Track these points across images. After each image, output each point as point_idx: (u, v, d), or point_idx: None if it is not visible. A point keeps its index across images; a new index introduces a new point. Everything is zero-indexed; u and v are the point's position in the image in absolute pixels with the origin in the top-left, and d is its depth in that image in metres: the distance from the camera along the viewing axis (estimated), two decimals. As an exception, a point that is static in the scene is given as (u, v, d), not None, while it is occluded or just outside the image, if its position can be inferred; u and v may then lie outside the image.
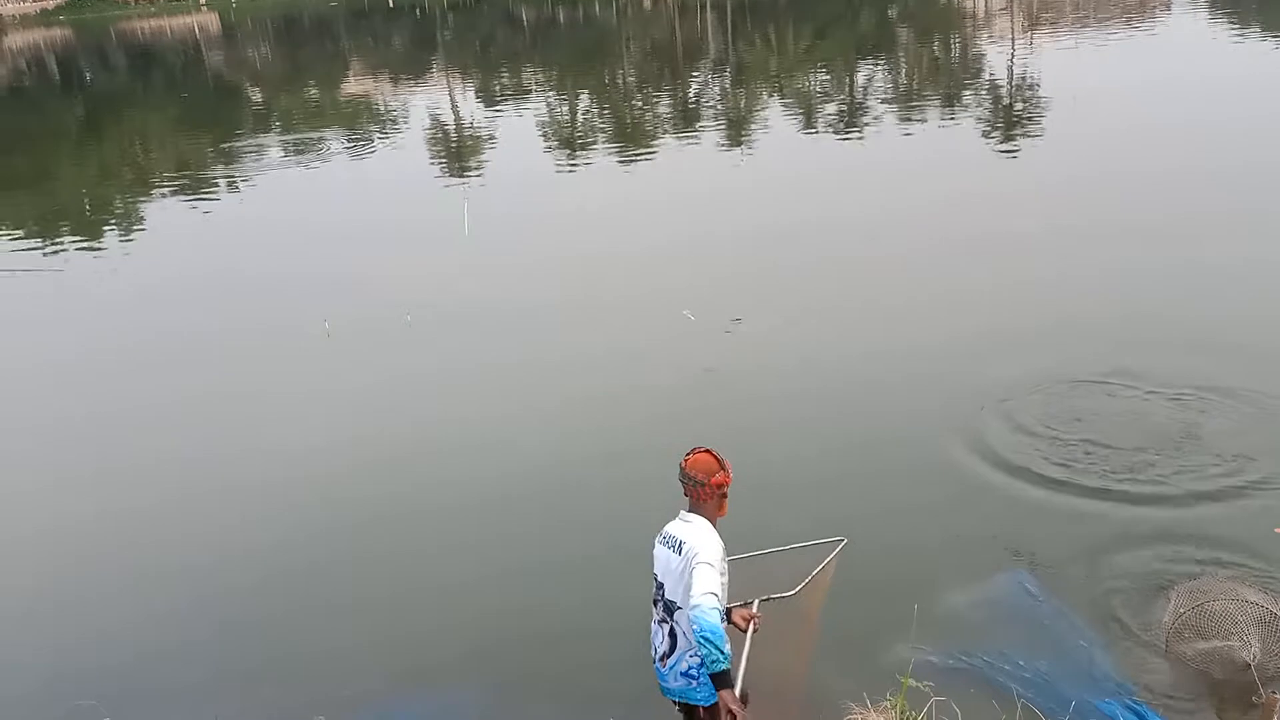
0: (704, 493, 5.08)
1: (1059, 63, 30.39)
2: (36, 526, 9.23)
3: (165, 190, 23.87)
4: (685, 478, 5.12)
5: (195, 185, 23.94)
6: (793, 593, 5.54)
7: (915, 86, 30.83)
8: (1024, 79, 28.74)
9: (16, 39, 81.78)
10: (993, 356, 10.87)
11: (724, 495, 5.12)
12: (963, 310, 12.35)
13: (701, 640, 4.71)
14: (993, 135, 22.20)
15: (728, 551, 5.16)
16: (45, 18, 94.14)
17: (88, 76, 53.92)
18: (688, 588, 4.89)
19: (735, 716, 4.72)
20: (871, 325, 12.20)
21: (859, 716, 5.62)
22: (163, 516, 9.23)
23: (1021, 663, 6.50)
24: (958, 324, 11.92)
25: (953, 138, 22.06)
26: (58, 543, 8.95)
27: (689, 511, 5.14)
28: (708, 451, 5.15)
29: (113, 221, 21.56)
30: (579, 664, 6.87)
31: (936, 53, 38.43)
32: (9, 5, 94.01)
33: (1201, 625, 6.33)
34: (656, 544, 5.25)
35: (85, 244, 19.35)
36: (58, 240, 19.91)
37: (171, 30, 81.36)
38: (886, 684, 5.87)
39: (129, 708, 6.62)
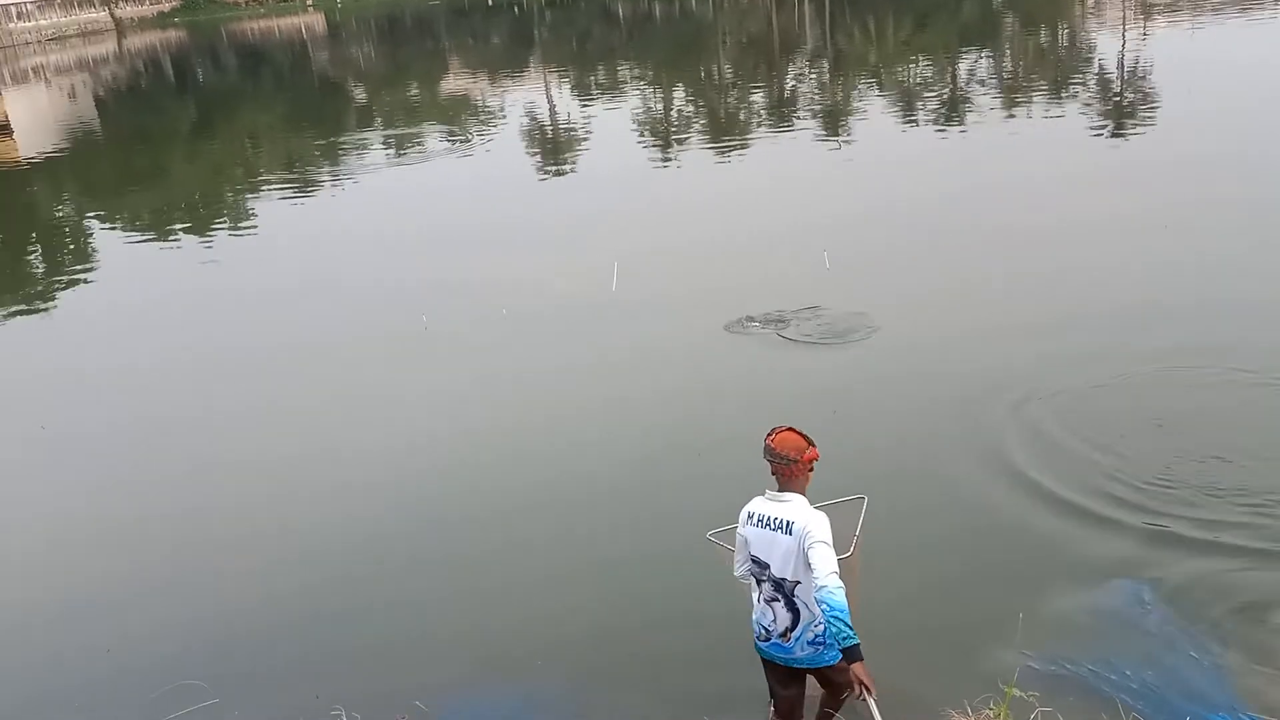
0: (796, 469, 5.12)
1: (1173, 51, 29.28)
2: (148, 512, 9.54)
3: (272, 188, 24.60)
4: (775, 457, 5.14)
5: (301, 183, 24.64)
6: (849, 554, 5.75)
7: (1020, 77, 30.04)
8: (1135, 68, 27.76)
9: (135, 41, 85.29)
10: (1111, 349, 10.42)
11: (812, 469, 5.19)
12: (1076, 296, 11.97)
13: (832, 619, 4.75)
14: (1102, 127, 21.46)
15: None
16: (161, 20, 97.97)
17: (200, 76, 55.88)
18: (807, 566, 4.96)
19: (870, 689, 4.72)
20: (973, 313, 11.91)
21: (959, 723, 5.48)
22: (261, 507, 9.46)
23: (1129, 673, 6.23)
24: (1072, 309, 11.56)
25: (1059, 128, 21.41)
26: (165, 528, 9.23)
27: (780, 490, 5.17)
28: (791, 429, 5.19)
29: (223, 218, 22.31)
30: (661, 655, 6.84)
31: (1043, 42, 37.37)
32: (128, 9, 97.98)
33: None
34: (747, 525, 5.26)
35: (196, 239, 20.06)
36: (171, 236, 20.67)
37: (280, 30, 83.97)
38: (988, 689, 5.70)
39: (233, 687, 6.78)
